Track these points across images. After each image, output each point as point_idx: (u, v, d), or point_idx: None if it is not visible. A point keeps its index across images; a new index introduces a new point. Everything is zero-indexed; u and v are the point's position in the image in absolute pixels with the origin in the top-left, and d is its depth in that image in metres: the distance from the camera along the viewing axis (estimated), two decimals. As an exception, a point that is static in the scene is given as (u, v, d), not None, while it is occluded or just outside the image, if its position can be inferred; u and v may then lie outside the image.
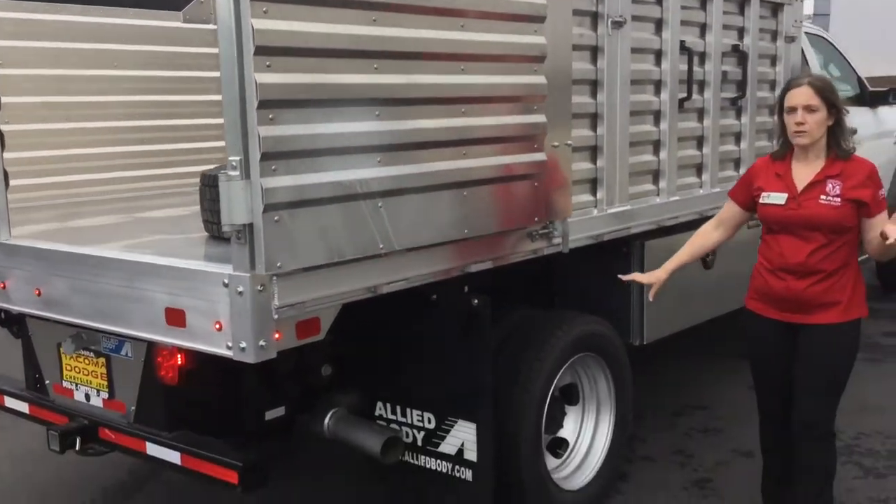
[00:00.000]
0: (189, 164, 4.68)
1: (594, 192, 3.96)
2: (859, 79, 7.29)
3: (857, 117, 6.92)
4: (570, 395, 4.22)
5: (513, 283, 4.54)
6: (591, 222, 3.92)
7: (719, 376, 5.87)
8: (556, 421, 4.08)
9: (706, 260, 4.90)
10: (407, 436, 3.68)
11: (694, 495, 4.27)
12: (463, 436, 3.52)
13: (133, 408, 3.41)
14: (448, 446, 3.57)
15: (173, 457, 3.25)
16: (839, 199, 3.33)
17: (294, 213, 2.54)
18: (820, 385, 3.44)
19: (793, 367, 3.47)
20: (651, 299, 3.76)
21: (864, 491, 4.25)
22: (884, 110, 7.34)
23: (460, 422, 3.52)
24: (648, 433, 5.04)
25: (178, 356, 3.10)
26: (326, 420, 3.75)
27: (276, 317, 2.59)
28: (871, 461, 4.59)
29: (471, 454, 3.51)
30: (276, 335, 2.63)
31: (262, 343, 2.57)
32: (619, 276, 3.85)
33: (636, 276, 3.80)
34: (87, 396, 3.58)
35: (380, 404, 3.75)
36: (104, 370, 3.49)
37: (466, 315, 3.41)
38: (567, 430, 4.19)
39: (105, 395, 3.51)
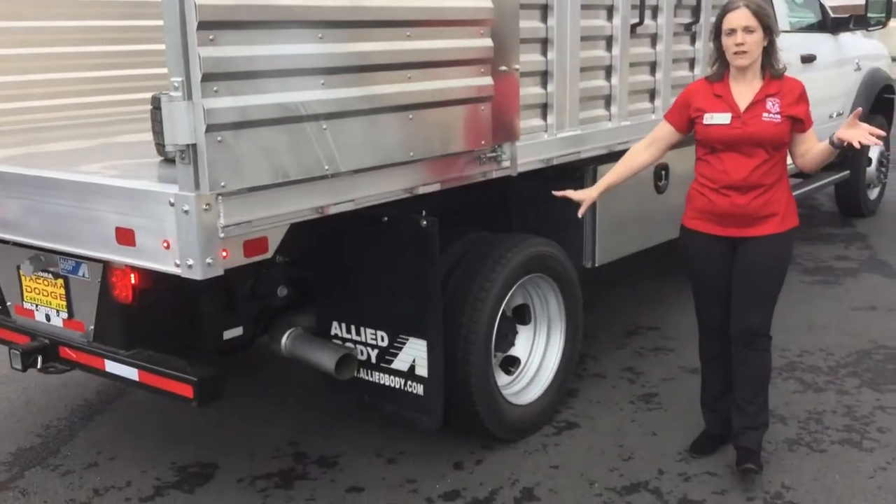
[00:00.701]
0: (151, 90, 4.68)
1: (544, 117, 4.03)
2: (821, 5, 7.32)
3: (818, 44, 7.02)
4: (522, 315, 4.36)
5: (472, 208, 4.66)
6: (541, 146, 4.01)
7: (672, 298, 6.04)
8: (508, 340, 4.22)
9: (658, 185, 5.03)
10: (361, 353, 3.82)
11: (640, 408, 4.46)
12: (414, 353, 3.66)
13: (92, 327, 3.51)
14: (400, 363, 3.71)
15: (131, 373, 3.36)
16: (779, 116, 3.50)
17: (237, 134, 2.60)
18: (759, 293, 3.62)
19: (732, 279, 3.63)
20: (580, 215, 3.87)
21: (802, 404, 4.45)
22: (845, 37, 7.39)
23: (411, 339, 3.66)
24: (601, 352, 5.21)
25: (132, 275, 3.18)
26: (283, 340, 3.90)
27: (222, 235, 2.68)
28: (811, 377, 4.79)
29: (422, 370, 3.65)
30: (223, 253, 2.72)
31: (208, 261, 2.65)
32: (553, 191, 3.92)
33: (567, 193, 3.88)
34: (48, 317, 3.67)
35: (335, 324, 3.88)
36: (63, 291, 3.57)
37: (415, 236, 3.51)
38: (519, 349, 4.34)
39: (64, 315, 3.60)
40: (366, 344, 3.80)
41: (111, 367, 3.42)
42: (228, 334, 3.78)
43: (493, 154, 3.64)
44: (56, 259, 3.51)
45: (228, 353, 3.91)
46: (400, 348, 3.70)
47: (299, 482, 3.83)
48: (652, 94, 4.80)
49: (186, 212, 2.61)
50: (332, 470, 3.93)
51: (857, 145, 3.34)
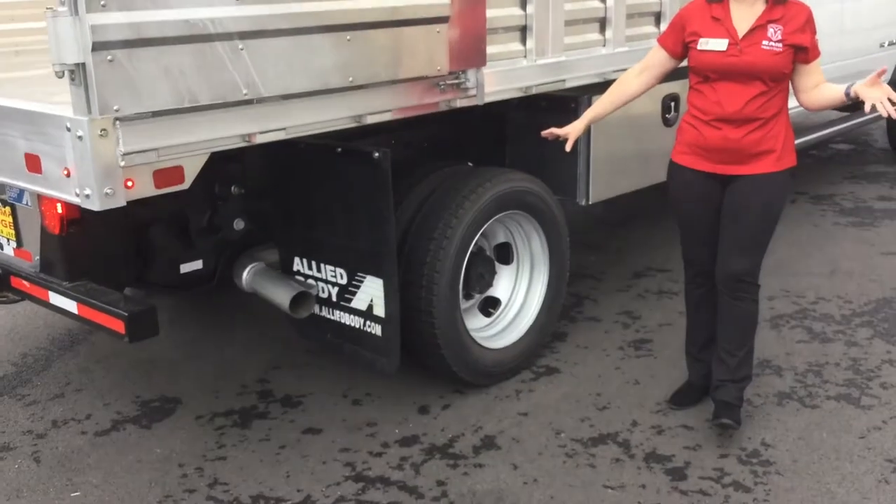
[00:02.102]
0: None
1: (523, 41, 3.73)
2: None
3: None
4: (505, 254, 4.14)
5: (465, 141, 4.42)
6: (518, 73, 3.72)
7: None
8: (485, 280, 4.00)
9: (666, 117, 4.69)
10: (322, 291, 3.65)
11: (628, 355, 4.22)
12: (372, 291, 3.48)
13: (38, 257, 3.41)
14: (359, 301, 3.54)
15: (71, 306, 3.25)
16: (781, 45, 3.17)
17: (132, 54, 2.41)
18: (748, 237, 3.35)
19: (721, 220, 3.37)
20: (567, 150, 3.54)
21: (804, 355, 4.15)
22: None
23: (369, 277, 3.47)
24: (602, 294, 4.96)
25: (58, 205, 3.05)
26: (245, 275, 3.76)
27: (122, 164, 2.50)
28: (821, 326, 4.47)
29: (379, 310, 3.47)
30: (128, 183, 2.55)
31: (107, 190, 2.48)
32: (542, 132, 3.64)
33: (553, 131, 3.59)
34: (1, 245, 3.59)
35: (297, 260, 3.71)
36: (11, 219, 3.47)
37: (368, 169, 3.30)
38: (500, 289, 4.13)
39: (14, 244, 3.51)
40: (326, 281, 3.62)
41: (54, 298, 3.31)
42: (186, 268, 3.66)
43: (456, 81, 3.37)
44: (5, 186, 3.40)
45: (191, 288, 3.78)
46: (358, 287, 3.52)
47: (258, 421, 3.71)
48: (657, 18, 4.43)
49: (81, 137, 2.44)
50: (293, 410, 3.80)
51: (867, 109, 3.02)
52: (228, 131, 2.75)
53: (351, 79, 2.95)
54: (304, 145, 3.40)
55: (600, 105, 3.57)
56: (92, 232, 3.19)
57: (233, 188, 3.58)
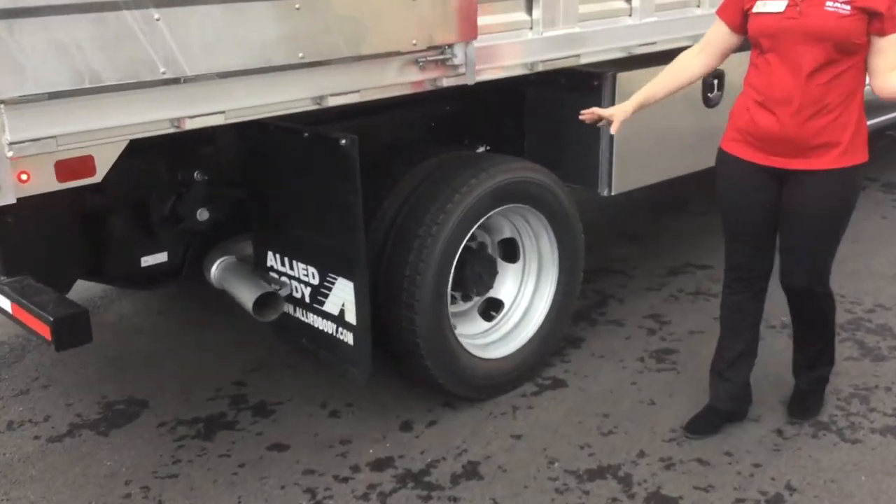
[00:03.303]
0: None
1: (529, 11, 3.25)
2: None
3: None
4: (511, 251, 3.69)
5: (480, 124, 3.99)
6: (521, 47, 3.25)
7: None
8: (483, 281, 3.56)
9: (708, 97, 4.15)
10: (295, 290, 3.26)
11: (648, 367, 3.73)
12: (343, 295, 3.08)
13: (-22, 248, 3.09)
14: (331, 305, 3.15)
15: (6, 304, 2.92)
16: (849, 7, 2.67)
17: (13, 26, 2.03)
18: (809, 244, 2.94)
19: (778, 222, 2.97)
20: (613, 133, 3.10)
21: (850, 376, 3.61)
22: None
23: (340, 279, 3.07)
24: (630, 294, 4.47)
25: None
26: (213, 269, 3.40)
27: (10, 154, 2.14)
28: (875, 340, 3.91)
29: (350, 316, 3.07)
30: (22, 176, 2.19)
31: (-8, 185, 2.13)
32: (580, 113, 3.16)
33: (596, 111, 3.12)
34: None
35: (271, 254, 3.33)
36: (-46, 205, 3.16)
37: (335, 157, 2.88)
38: (504, 291, 3.69)
39: (-41, 232, 3.20)
40: (299, 280, 3.24)
41: (-8, 295, 3.00)
42: (149, 261, 3.31)
43: (440, 57, 2.92)
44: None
45: (157, 284, 3.44)
46: (330, 289, 3.12)
47: (223, 433, 3.36)
48: (697, -19, 3.89)
49: (-42, 124, 2.08)
50: (264, 420, 3.44)
51: None
52: (150, 115, 2.36)
53: (301, 55, 2.53)
54: (273, 128, 3.02)
55: (654, 86, 3.11)
56: (32, 221, 2.84)
57: (196, 174, 3.20)
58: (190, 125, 2.44)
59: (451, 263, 3.26)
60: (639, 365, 3.76)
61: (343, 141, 2.83)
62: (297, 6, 2.48)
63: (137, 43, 2.21)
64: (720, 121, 4.16)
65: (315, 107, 2.74)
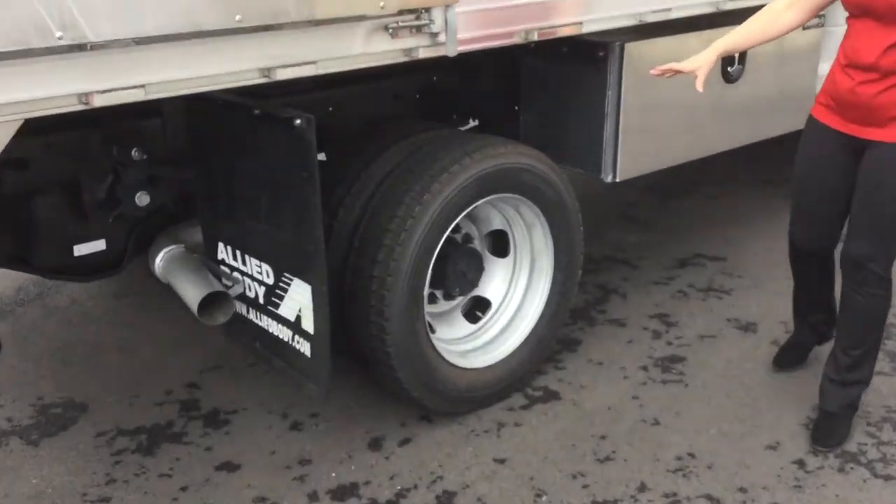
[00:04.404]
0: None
1: (523, -31, 2.79)
2: None
3: None
4: (502, 245, 3.26)
5: (465, 94, 3.56)
6: (514, 12, 2.78)
7: (755, 219, 4.72)
8: (468, 279, 3.14)
9: (728, 70, 3.69)
10: (249, 289, 2.85)
11: (652, 378, 3.31)
12: (300, 299, 2.66)
13: None
14: (287, 309, 2.73)
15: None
16: None
17: None
18: (877, 218, 2.74)
19: (849, 198, 2.80)
20: (700, 89, 2.73)
21: (882, 396, 3.19)
22: None
23: (296, 281, 2.65)
24: (633, 289, 4.03)
25: None
26: (157, 260, 2.99)
27: None
28: (910, 351, 3.48)
29: (307, 323, 2.66)
30: None
31: None
32: (651, 71, 2.82)
33: (673, 66, 2.78)
34: None
35: (221, 246, 2.90)
36: None
37: (289, 140, 2.45)
38: (491, 289, 3.26)
39: None
40: (252, 277, 2.81)
41: None
42: (83, 249, 2.90)
43: (416, 23, 2.47)
44: None
45: (93, 275, 3.02)
46: (285, 290, 2.70)
47: (167, 446, 2.96)
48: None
49: None
50: (216, 433, 3.04)
51: None
52: (48, 90, 1.92)
53: (239, 17, 2.08)
54: (221, 102, 2.58)
55: (740, 35, 2.83)
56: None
57: (133, 152, 2.77)
58: (100, 101, 2.00)
59: (429, 262, 2.83)
60: (642, 375, 3.34)
61: (298, 121, 2.39)
62: (232, -42, 2.02)
63: (28, 4, 1.77)
64: (740, 98, 3.75)
65: (263, 80, 2.29)
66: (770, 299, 3.87)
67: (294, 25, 2.21)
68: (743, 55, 3.66)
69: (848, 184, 2.77)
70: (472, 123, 3.76)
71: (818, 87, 4.13)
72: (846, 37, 2.69)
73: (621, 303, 3.90)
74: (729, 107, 3.72)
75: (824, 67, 4.15)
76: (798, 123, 4.13)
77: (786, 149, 3.94)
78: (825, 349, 3.12)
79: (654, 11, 3.18)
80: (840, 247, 2.88)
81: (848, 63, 2.65)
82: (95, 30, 1.88)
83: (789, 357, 3.35)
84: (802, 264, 3.12)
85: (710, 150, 3.75)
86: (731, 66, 3.67)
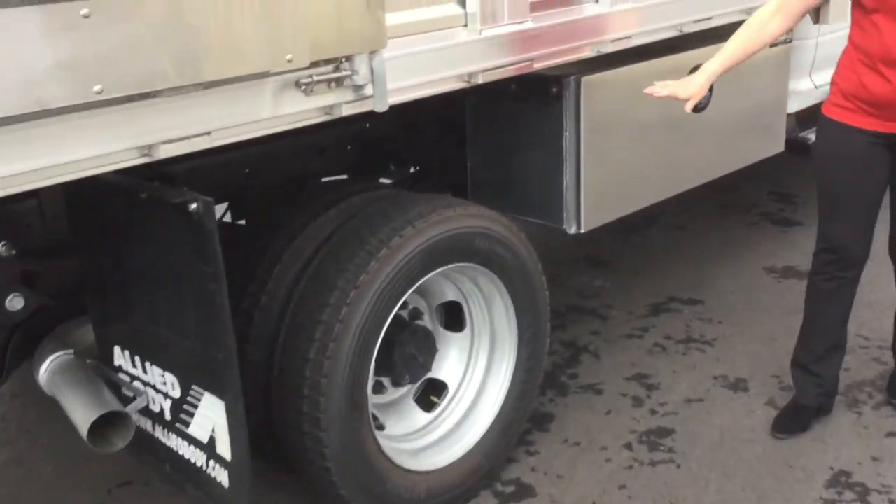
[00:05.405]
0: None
1: (462, 3, 2.35)
2: None
3: None
4: (456, 317, 2.81)
5: (405, 140, 3.14)
6: (453, 53, 2.34)
7: (728, 255, 4.33)
8: (419, 363, 2.67)
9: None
10: (153, 402, 2.34)
11: (639, 459, 2.88)
12: (213, 416, 2.17)
13: None
14: (198, 428, 2.23)
15: None
16: None
17: None
18: None
19: (881, 198, 2.80)
20: (687, 111, 2.68)
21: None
22: None
23: (207, 395, 2.17)
24: (606, 344, 3.61)
25: None
26: (42, 370, 2.47)
27: None
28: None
29: (223, 447, 2.17)
30: None
31: None
32: (646, 89, 2.64)
33: (670, 90, 2.63)
34: None
35: (118, 350, 2.40)
36: None
37: (185, 228, 1.97)
38: (447, 370, 2.81)
39: None
40: (156, 389, 2.32)
41: None
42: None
43: (336, 75, 2.00)
44: None
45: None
46: (195, 406, 2.21)
47: None
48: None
49: None
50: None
51: None
52: None
53: (98, 88, 1.60)
54: (106, 185, 2.09)
55: (729, 53, 2.68)
56: None
57: (2, 246, 2.26)
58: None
59: (371, 354, 2.37)
60: (626, 455, 2.90)
61: (193, 206, 1.91)
62: (83, 12, 1.54)
63: None
64: (710, 127, 3.36)
65: (143, 159, 1.81)
66: (757, 349, 3.48)
67: (176, 91, 1.73)
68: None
69: (881, 181, 2.74)
70: (413, 170, 3.34)
71: (791, 106, 3.84)
72: (865, 35, 2.56)
73: (594, 363, 3.47)
74: (699, 138, 3.33)
75: (795, 84, 3.84)
76: (772, 148, 3.81)
77: (741, 171, 3.62)
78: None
79: (614, 40, 2.76)
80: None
81: (878, 61, 2.52)
82: None
83: (789, 423, 3.00)
84: (831, 282, 2.86)
85: (681, 187, 3.36)
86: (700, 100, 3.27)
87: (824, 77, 3.98)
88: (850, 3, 2.61)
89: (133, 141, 1.75)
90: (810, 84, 3.91)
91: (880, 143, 2.66)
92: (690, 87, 2.63)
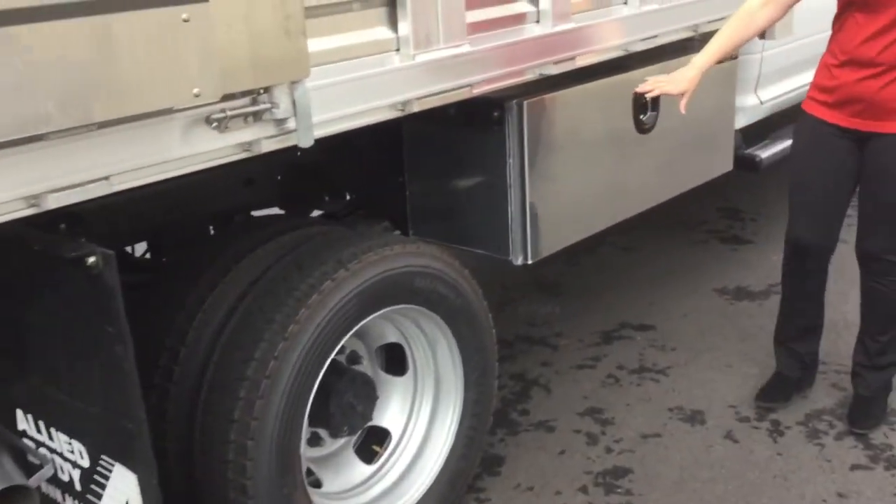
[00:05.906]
0: None
1: (393, 24, 2.16)
2: None
3: None
4: (397, 360, 2.61)
5: (340, 169, 2.95)
6: (384, 80, 2.15)
7: (681, 277, 4.21)
8: (358, 412, 2.47)
9: (640, 119, 3.15)
10: (61, 471, 2.11)
11: (594, 503, 2.71)
12: (126, 490, 1.94)
13: None
14: (111, 501, 2.00)
15: None
16: None
17: None
18: (888, 210, 2.78)
19: (849, 193, 2.88)
20: (683, 111, 2.72)
21: None
22: None
23: (118, 467, 1.94)
24: (557, 377, 3.44)
25: None
26: (-63, 439, 2.21)
27: None
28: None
29: (139, 525, 1.94)
30: None
31: None
32: (636, 89, 2.78)
33: (660, 84, 2.71)
34: None
35: (20, 414, 2.15)
36: None
37: (84, 285, 1.75)
38: (389, 417, 2.62)
39: None
40: (63, 457, 2.08)
41: None
42: None
43: (253, 109, 1.80)
44: None
45: None
46: (106, 477, 1.98)
47: None
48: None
49: None
50: None
51: None
52: None
53: (-30, 135, 1.38)
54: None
55: (718, 44, 2.71)
56: None
57: None
58: None
59: (303, 412, 2.16)
60: (581, 499, 2.73)
61: (91, 259, 1.69)
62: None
63: None
64: (658, 148, 3.23)
65: (31, 210, 1.59)
66: (712, 377, 3.36)
67: (64, 134, 1.52)
68: (657, 101, 3.12)
69: (849, 177, 2.80)
70: (349, 198, 3.16)
71: (738, 121, 3.74)
72: (842, 29, 2.67)
73: (545, 398, 3.30)
74: (647, 160, 3.20)
75: (741, 100, 3.74)
76: (721, 167, 3.69)
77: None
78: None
79: (557, 61, 2.60)
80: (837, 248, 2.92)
81: (848, 59, 2.64)
82: None
83: (774, 394, 3.18)
84: (799, 275, 3.02)
85: (631, 210, 3.21)
86: (643, 115, 3.14)
87: (770, 92, 3.92)
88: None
89: (17, 191, 1.53)
90: (756, 100, 3.81)
91: (848, 139, 2.73)
92: (681, 83, 2.68)
